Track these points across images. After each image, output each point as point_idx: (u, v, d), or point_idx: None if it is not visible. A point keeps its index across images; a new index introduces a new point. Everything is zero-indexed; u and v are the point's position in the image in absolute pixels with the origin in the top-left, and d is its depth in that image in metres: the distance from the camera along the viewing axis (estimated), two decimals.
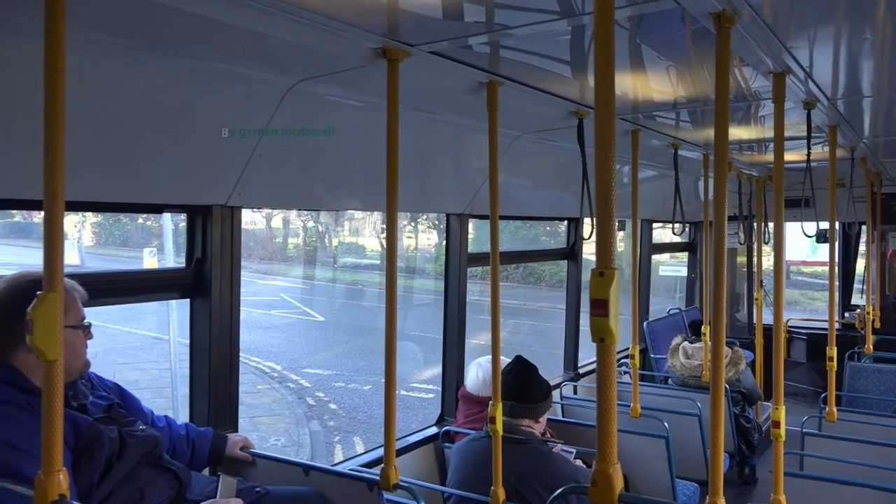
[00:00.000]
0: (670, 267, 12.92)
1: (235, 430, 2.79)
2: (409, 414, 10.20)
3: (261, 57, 2.27)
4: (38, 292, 1.46)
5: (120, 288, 2.52)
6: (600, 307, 1.35)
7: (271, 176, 2.75)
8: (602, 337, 1.38)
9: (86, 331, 2.03)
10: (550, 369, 4.65)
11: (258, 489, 2.35)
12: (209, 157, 2.52)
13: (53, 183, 1.46)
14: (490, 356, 2.89)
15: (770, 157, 5.48)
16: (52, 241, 1.46)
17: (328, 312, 19.17)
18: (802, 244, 13.43)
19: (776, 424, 2.57)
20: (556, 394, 4.91)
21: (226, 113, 2.46)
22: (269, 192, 2.86)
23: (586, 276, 5.06)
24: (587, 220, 3.55)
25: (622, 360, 5.27)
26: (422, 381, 12.22)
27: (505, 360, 3.51)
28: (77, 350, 1.98)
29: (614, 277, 1.36)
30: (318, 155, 2.92)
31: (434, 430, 3.92)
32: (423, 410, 10.28)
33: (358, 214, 22.97)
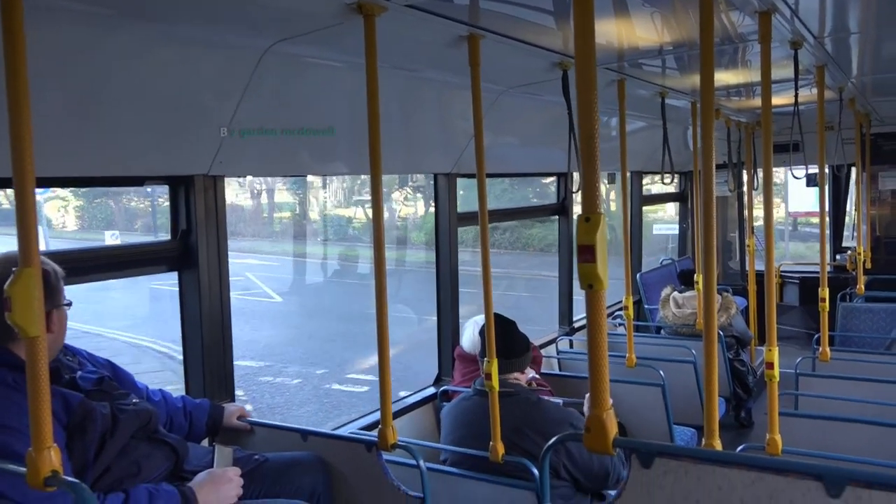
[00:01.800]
0: (665, 225, 12.82)
1: (232, 400, 2.79)
2: (331, 415, 8.44)
3: (235, 19, 2.20)
4: (14, 269, 1.43)
5: (104, 264, 2.49)
6: (587, 253, 1.33)
7: (253, 143, 2.70)
8: (591, 283, 1.36)
9: (67, 307, 2.00)
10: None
11: (256, 457, 2.35)
12: (188, 126, 2.46)
13: (21, 158, 1.42)
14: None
15: (758, 101, 5.42)
16: (25, 218, 1.43)
17: (292, 293, 17.36)
18: (808, 195, 13.21)
19: (769, 365, 2.59)
20: (551, 348, 4.94)
21: (203, 79, 2.40)
22: (252, 160, 2.81)
23: None
24: (577, 175, 3.52)
25: (616, 313, 5.30)
26: (361, 370, 10.20)
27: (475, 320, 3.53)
28: (64, 329, 1.96)
29: (600, 222, 1.33)
30: (300, 119, 2.86)
31: (432, 390, 3.94)
32: (351, 410, 8.22)
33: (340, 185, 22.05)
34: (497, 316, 3.14)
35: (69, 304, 2.01)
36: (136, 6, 1.96)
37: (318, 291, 18.25)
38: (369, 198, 2.48)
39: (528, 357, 3.13)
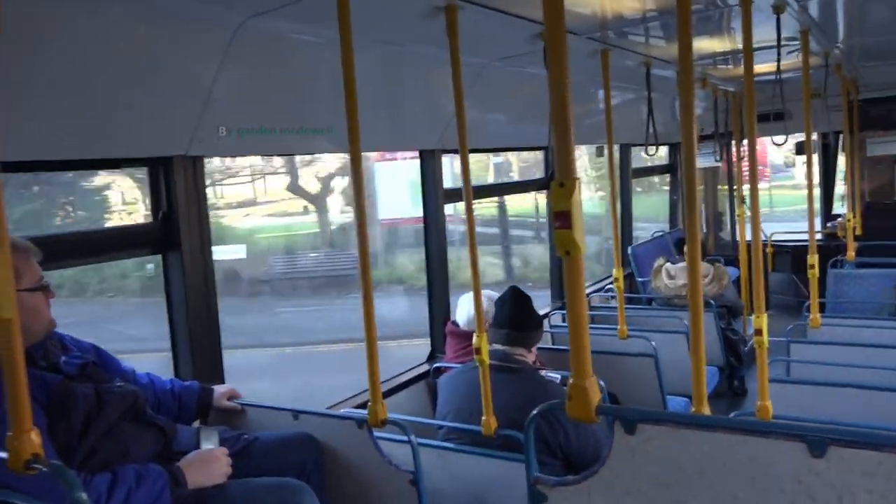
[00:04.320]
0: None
1: (221, 382, 2.77)
2: None
3: None
4: None
5: (84, 248, 2.46)
6: (563, 219, 1.32)
7: (231, 122, 2.66)
8: (567, 250, 1.34)
9: (45, 291, 1.97)
10: None
11: (246, 436, 2.35)
12: (163, 106, 2.42)
13: None
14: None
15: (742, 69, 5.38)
16: None
17: None
18: (404, 195, 12.38)
19: (758, 332, 2.59)
20: (545, 323, 4.94)
21: (177, 57, 2.36)
22: (231, 140, 2.78)
23: None
24: None
25: (608, 287, 5.29)
26: None
27: (489, 294, 3.51)
28: (38, 312, 1.93)
29: (575, 188, 1.32)
30: (279, 97, 2.82)
31: (425, 367, 3.94)
32: None
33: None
34: (514, 289, 3.14)
35: (46, 287, 1.98)
36: None
37: None
38: None
39: (538, 336, 3.12)
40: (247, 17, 2.34)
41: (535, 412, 1.66)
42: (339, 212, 17.10)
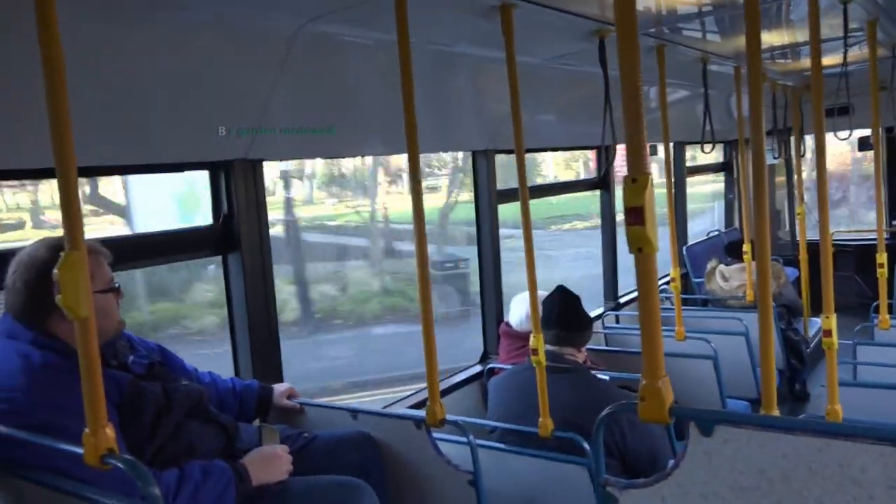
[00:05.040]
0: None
1: (280, 381, 2.81)
2: None
3: (264, 0, 2.19)
4: (62, 253, 1.45)
5: (149, 250, 2.52)
6: (636, 215, 1.29)
7: (288, 125, 2.70)
8: (640, 247, 1.32)
9: (115, 292, 2.03)
10: None
11: (305, 434, 2.37)
12: (223, 112, 2.47)
13: (62, 147, 1.43)
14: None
15: (806, 62, 5.22)
16: (69, 204, 1.46)
17: None
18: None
19: (827, 333, 2.49)
20: (598, 324, 4.88)
21: (235, 64, 2.40)
22: (288, 143, 2.82)
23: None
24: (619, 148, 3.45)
25: (662, 287, 5.19)
26: None
27: (542, 294, 3.48)
28: (109, 312, 1.99)
29: (648, 183, 1.29)
30: (334, 100, 2.85)
31: (478, 368, 3.93)
32: None
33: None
34: (562, 289, 3.12)
35: (117, 289, 2.03)
36: None
37: None
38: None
39: (589, 335, 3.09)
40: (305, 22, 2.37)
41: (604, 413, 1.63)
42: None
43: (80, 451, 1.49)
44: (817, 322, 5.73)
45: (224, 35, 2.28)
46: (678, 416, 1.43)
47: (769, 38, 4.18)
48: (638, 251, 1.33)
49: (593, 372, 3.06)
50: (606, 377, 3.11)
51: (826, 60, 3.55)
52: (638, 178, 1.29)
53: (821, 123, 2.48)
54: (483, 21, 2.62)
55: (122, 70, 2.11)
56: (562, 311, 3.01)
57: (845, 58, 3.16)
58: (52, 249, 1.78)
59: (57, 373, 1.80)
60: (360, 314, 9.45)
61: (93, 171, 2.25)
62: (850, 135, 4.22)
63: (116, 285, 2.04)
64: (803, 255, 5.41)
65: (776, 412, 1.89)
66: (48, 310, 1.81)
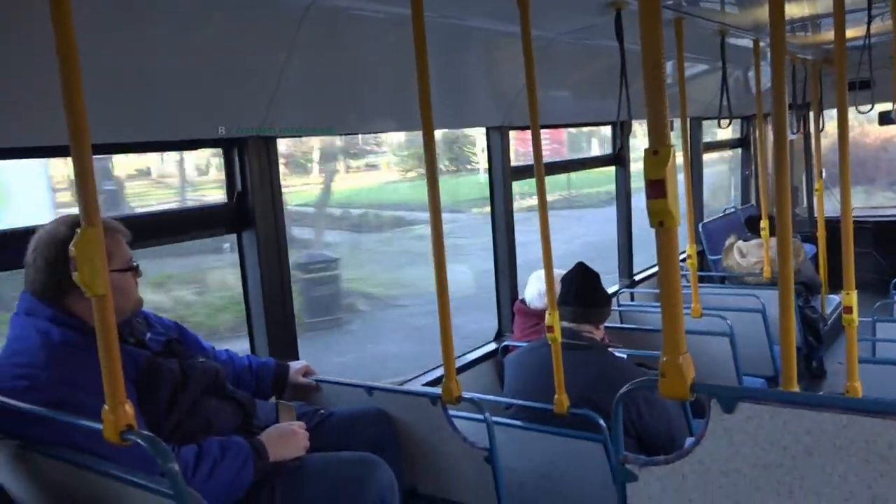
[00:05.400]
0: None
1: (296, 358, 2.82)
2: None
3: None
4: (78, 229, 1.45)
5: (164, 228, 2.52)
6: (657, 188, 1.26)
7: (302, 102, 2.68)
8: (661, 220, 1.29)
9: (134, 271, 2.03)
10: None
11: (321, 411, 2.38)
12: (237, 89, 2.46)
13: (76, 124, 1.43)
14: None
15: (825, 36, 5.11)
16: (85, 181, 1.45)
17: None
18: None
19: (848, 310, 2.46)
20: (613, 302, 4.86)
21: (248, 40, 2.38)
22: (302, 120, 2.80)
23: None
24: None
25: (679, 263, 5.14)
26: None
27: (558, 272, 3.46)
28: (127, 291, 1.99)
29: (670, 155, 1.26)
30: (346, 76, 2.82)
31: (493, 346, 3.92)
32: None
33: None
34: (581, 265, 3.10)
35: (135, 268, 2.03)
36: None
37: None
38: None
39: (607, 313, 3.07)
40: None
41: (623, 390, 1.62)
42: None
43: (99, 427, 1.50)
44: (835, 299, 5.68)
45: (238, 10, 2.26)
46: (699, 392, 1.41)
47: (789, 10, 4.09)
48: (659, 225, 1.31)
49: (611, 349, 3.04)
50: (624, 355, 3.10)
51: (848, 33, 3.47)
52: (660, 151, 1.27)
53: (843, 97, 2.43)
54: None
55: (135, 48, 2.09)
56: (580, 288, 2.99)
57: (868, 30, 3.08)
58: (72, 227, 1.77)
59: (75, 350, 1.81)
60: (214, 327, 8.01)
61: (107, 149, 2.24)
62: (871, 109, 4.14)
63: (135, 264, 2.04)
64: (821, 232, 5.35)
65: (796, 389, 1.87)
66: (67, 287, 1.81)
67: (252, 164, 2.64)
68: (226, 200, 2.72)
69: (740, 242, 5.34)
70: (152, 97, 2.23)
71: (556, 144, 12.77)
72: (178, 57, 2.22)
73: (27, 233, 1.95)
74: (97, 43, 1.91)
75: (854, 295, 2.45)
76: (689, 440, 1.94)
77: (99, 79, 1.93)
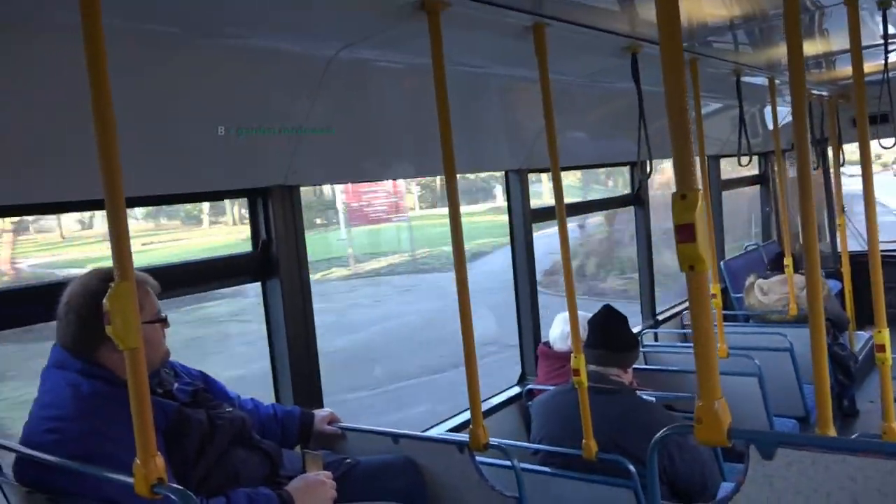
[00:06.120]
0: None
1: (321, 406, 2.81)
2: None
3: (300, 27, 2.22)
4: (111, 283, 1.47)
5: (192, 277, 2.55)
6: (686, 232, 1.26)
7: (324, 151, 2.73)
8: (692, 265, 1.28)
9: (163, 322, 2.05)
10: None
11: (348, 460, 2.35)
12: (261, 139, 2.50)
13: (111, 176, 1.46)
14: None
15: (841, 72, 5.13)
16: (119, 235, 1.48)
17: None
18: None
19: (881, 348, 2.41)
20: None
21: (272, 90, 2.43)
22: (324, 168, 2.84)
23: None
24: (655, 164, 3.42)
25: None
26: None
27: (583, 315, 3.44)
28: (156, 343, 2.01)
29: (698, 199, 1.26)
30: (368, 124, 2.87)
31: (517, 389, 3.88)
32: None
33: None
34: (609, 308, 3.08)
35: (164, 320, 2.05)
36: (198, 23, 2.00)
37: None
38: None
39: (635, 356, 3.03)
40: (341, 48, 2.39)
41: (658, 436, 1.59)
42: None
43: (130, 480, 1.49)
44: (863, 336, 5.57)
45: (262, 63, 2.31)
46: (737, 438, 1.38)
47: (805, 49, 4.11)
48: (690, 269, 1.30)
49: (639, 392, 3.00)
50: (653, 398, 3.05)
51: (866, 68, 3.49)
52: (688, 195, 1.27)
53: (865, 132, 2.43)
54: (516, 41, 2.62)
55: (162, 100, 2.14)
56: (607, 331, 2.96)
57: (886, 64, 3.09)
58: (104, 280, 1.80)
59: (105, 401, 1.82)
60: None
61: (139, 202, 2.29)
62: (895, 143, 4.12)
63: (163, 315, 2.05)
64: (846, 267, 5.28)
65: (832, 431, 1.83)
66: (99, 340, 1.83)
67: (276, 213, 2.67)
68: (251, 249, 2.75)
69: (760, 280, 5.29)
70: (180, 148, 2.27)
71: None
72: (202, 109, 2.27)
73: (62, 284, 1.98)
74: (126, 97, 1.96)
75: (886, 332, 2.41)
76: (725, 485, 1.89)
77: (128, 132, 1.98)
